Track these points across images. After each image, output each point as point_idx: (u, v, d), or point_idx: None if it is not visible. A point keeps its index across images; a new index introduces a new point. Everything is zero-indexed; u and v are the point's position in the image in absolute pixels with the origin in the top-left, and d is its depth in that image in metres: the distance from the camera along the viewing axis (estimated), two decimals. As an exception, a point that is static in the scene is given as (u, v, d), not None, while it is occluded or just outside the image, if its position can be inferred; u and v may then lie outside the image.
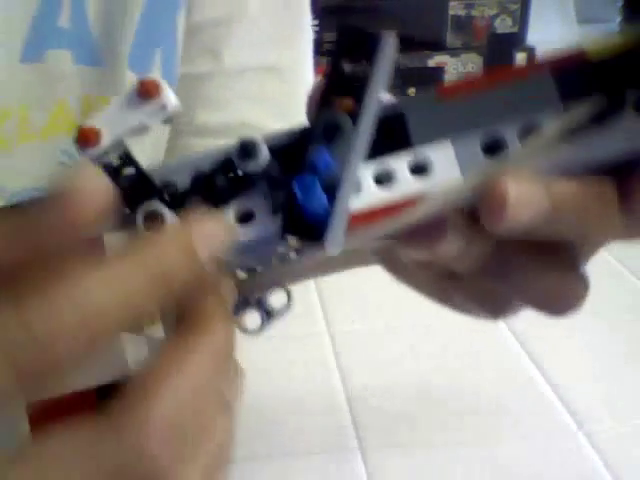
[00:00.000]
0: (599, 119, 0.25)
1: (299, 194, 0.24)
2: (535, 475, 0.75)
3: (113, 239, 0.25)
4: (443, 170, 0.26)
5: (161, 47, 0.46)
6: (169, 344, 0.25)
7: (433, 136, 0.26)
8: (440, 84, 0.25)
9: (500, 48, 1.95)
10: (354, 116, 0.25)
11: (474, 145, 0.26)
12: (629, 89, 0.25)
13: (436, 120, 0.26)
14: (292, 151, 0.25)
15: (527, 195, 0.25)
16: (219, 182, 0.25)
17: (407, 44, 1.90)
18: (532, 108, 0.26)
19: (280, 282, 0.28)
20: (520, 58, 1.91)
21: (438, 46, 1.96)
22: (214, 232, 0.25)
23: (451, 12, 2.07)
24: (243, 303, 0.28)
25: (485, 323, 1.09)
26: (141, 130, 0.25)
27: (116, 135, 0.25)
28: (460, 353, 0.96)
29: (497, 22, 2.07)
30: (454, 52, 1.97)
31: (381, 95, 0.25)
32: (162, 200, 0.26)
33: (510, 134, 0.26)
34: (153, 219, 0.25)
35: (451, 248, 0.27)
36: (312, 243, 0.24)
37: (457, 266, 0.29)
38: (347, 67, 0.25)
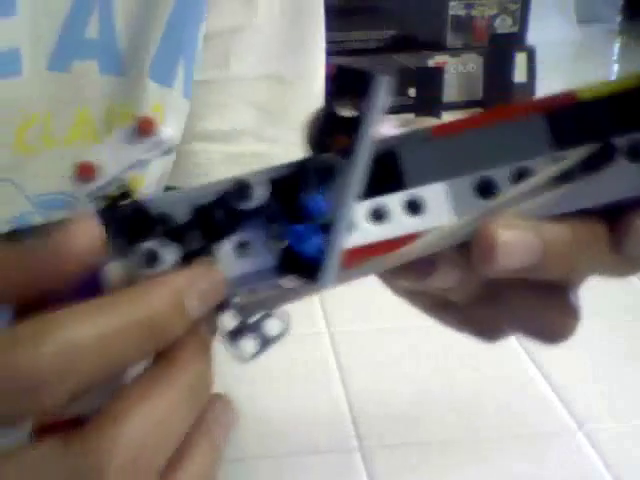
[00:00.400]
0: (591, 165, 0.25)
1: (294, 243, 0.25)
2: (535, 475, 0.75)
3: (113, 269, 0.26)
4: (436, 210, 0.26)
5: (183, 59, 0.47)
6: (143, 373, 0.26)
7: (427, 174, 0.26)
8: (435, 124, 0.27)
9: (500, 48, 1.95)
10: (348, 154, 0.25)
11: (467, 186, 0.26)
12: (621, 134, 0.26)
13: (429, 158, 0.26)
14: (289, 186, 0.26)
15: (516, 241, 0.25)
16: (217, 216, 0.26)
17: (407, 44, 1.90)
18: (524, 149, 0.26)
19: (277, 307, 0.28)
20: (520, 58, 1.91)
21: (438, 46, 1.96)
22: (207, 288, 0.25)
23: (451, 12, 2.06)
24: (239, 329, 0.28)
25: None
26: (140, 165, 0.26)
27: (116, 171, 0.26)
28: (460, 353, 0.96)
29: (497, 22, 2.07)
30: (454, 52, 1.97)
31: (375, 134, 0.26)
32: (160, 233, 0.26)
33: (502, 177, 0.26)
34: (151, 257, 0.26)
35: (443, 281, 0.28)
36: (306, 280, 0.25)
37: (451, 296, 0.30)
38: (341, 106, 0.25)
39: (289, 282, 0.26)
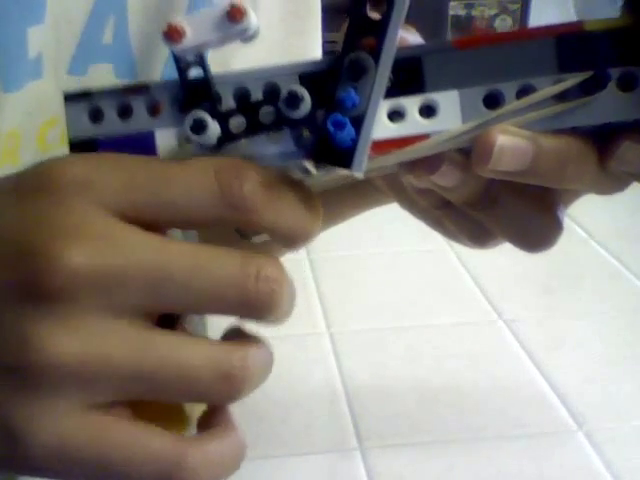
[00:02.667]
0: (585, 89, 0.29)
1: (333, 131, 0.28)
2: (535, 475, 0.75)
3: (163, 135, 0.29)
4: (447, 115, 0.29)
5: None
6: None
7: (444, 82, 0.29)
8: (458, 36, 0.30)
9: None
10: (376, 54, 0.28)
11: (477, 96, 0.29)
12: (615, 66, 0.29)
13: (448, 68, 0.29)
14: (320, 81, 0.29)
15: (511, 145, 0.29)
16: (262, 117, 0.29)
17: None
18: (533, 68, 0.29)
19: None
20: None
21: (438, 46, 1.95)
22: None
23: (451, 12, 2.07)
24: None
25: (485, 323, 1.09)
26: (221, 44, 0.29)
27: (199, 41, 0.28)
28: (460, 353, 0.96)
29: (497, 22, 2.07)
30: (454, 52, 1.97)
31: (398, 35, 0.29)
32: (213, 108, 0.29)
33: (509, 91, 0.29)
34: (200, 126, 0.28)
35: (446, 180, 0.31)
36: (340, 167, 0.28)
37: (451, 197, 0.33)
38: (369, 9, 0.28)
39: (324, 169, 0.29)
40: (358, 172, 0.28)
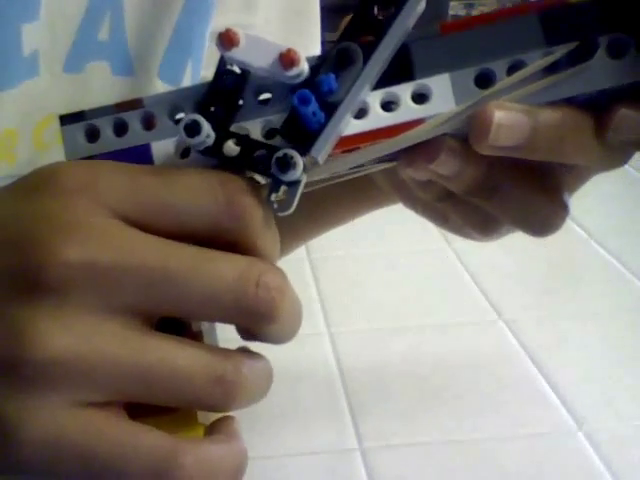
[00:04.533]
0: (575, 58, 0.29)
1: (296, 104, 0.27)
2: (535, 475, 0.75)
3: (159, 147, 0.29)
4: (440, 98, 0.29)
5: (191, 60, 0.48)
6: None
7: (434, 67, 0.29)
8: (443, 21, 0.31)
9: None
10: (369, 49, 0.28)
11: (468, 78, 0.29)
12: (602, 34, 0.29)
13: (437, 52, 0.30)
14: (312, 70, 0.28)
15: (509, 119, 0.29)
16: (258, 157, 0.28)
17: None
18: (521, 44, 0.29)
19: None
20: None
21: (438, 46, 1.96)
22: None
23: (451, 12, 2.06)
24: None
25: (485, 323, 1.09)
26: (264, 75, 0.28)
27: (246, 60, 0.28)
28: (460, 353, 0.96)
29: (497, 22, 2.07)
30: (454, 52, 1.97)
31: (397, 44, 0.29)
32: (223, 120, 0.28)
33: (499, 69, 0.29)
34: (194, 128, 0.28)
35: (446, 168, 0.31)
36: (299, 148, 0.27)
37: (453, 187, 0.33)
38: (375, 11, 0.28)
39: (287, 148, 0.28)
40: (318, 156, 0.27)
